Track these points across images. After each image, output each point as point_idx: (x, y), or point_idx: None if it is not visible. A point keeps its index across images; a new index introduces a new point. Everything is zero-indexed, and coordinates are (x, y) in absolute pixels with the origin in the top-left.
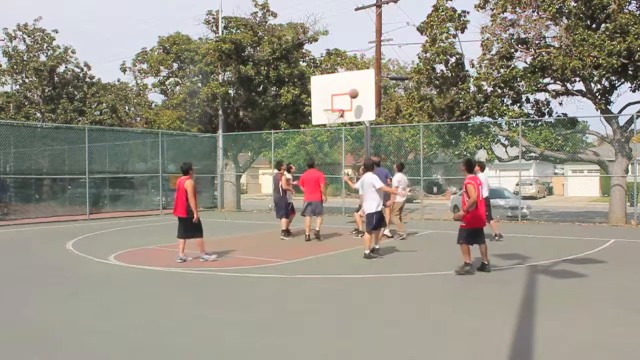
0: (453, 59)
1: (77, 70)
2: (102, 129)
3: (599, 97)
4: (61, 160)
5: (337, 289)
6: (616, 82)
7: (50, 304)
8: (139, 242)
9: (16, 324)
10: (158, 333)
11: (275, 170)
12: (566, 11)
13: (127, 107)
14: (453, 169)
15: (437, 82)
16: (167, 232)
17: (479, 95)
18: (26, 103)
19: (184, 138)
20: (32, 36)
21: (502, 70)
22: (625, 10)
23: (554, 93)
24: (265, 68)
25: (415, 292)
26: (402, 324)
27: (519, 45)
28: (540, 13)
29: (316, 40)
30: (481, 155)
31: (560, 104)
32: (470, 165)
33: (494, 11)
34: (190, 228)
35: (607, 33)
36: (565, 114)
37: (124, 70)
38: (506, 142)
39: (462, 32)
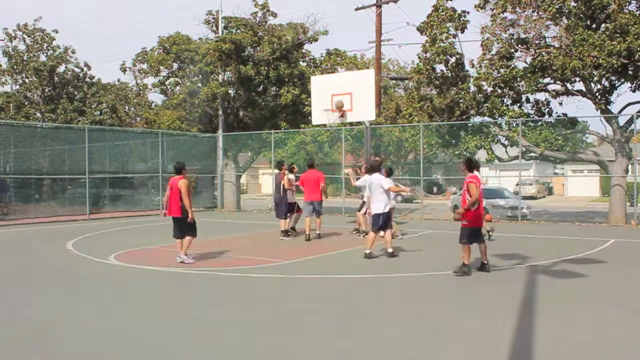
0: (453, 59)
1: (77, 70)
2: (102, 129)
3: (599, 97)
4: (61, 160)
5: (337, 289)
6: (616, 82)
7: (50, 304)
8: (139, 242)
9: (16, 324)
10: (158, 333)
11: (276, 170)
12: (566, 11)
13: (127, 107)
14: (453, 169)
15: (437, 82)
16: (167, 232)
17: (479, 95)
18: (26, 103)
19: (184, 138)
20: (32, 36)
21: (502, 70)
22: (625, 10)
23: (554, 93)
24: (265, 68)
25: (415, 292)
26: (402, 324)
27: (519, 45)
28: (540, 13)
29: (316, 40)
30: (481, 155)
31: (560, 104)
32: (471, 165)
33: (494, 11)
34: (185, 227)
35: (607, 33)
36: (565, 114)
37: (124, 70)
38: (506, 142)
39: (462, 32)
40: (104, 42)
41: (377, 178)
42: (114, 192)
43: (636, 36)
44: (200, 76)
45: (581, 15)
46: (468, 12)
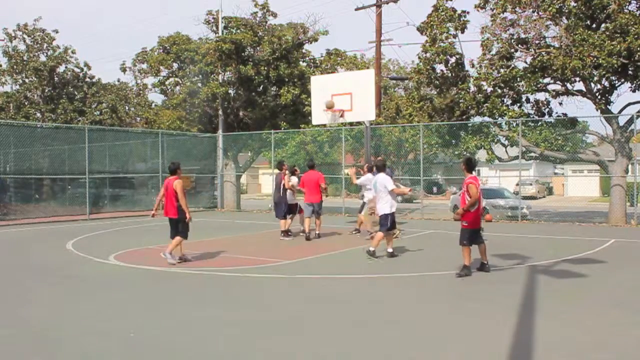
0: (453, 59)
1: (77, 70)
2: (102, 129)
3: (599, 97)
4: (61, 160)
5: (337, 289)
6: (616, 82)
7: (50, 304)
8: (139, 242)
9: (16, 324)
10: (158, 333)
11: (277, 170)
12: (566, 11)
13: (127, 107)
14: (453, 169)
15: (437, 82)
16: (167, 232)
17: (479, 95)
18: (26, 103)
19: (184, 138)
20: (32, 36)
21: (502, 70)
22: (625, 10)
23: (554, 93)
24: (265, 68)
25: (415, 292)
26: (402, 324)
27: (519, 45)
28: (540, 13)
29: (316, 40)
30: (481, 155)
31: (560, 104)
32: (471, 165)
33: (494, 11)
34: (178, 227)
35: (607, 33)
36: (565, 114)
37: (124, 70)
38: (506, 142)
39: (462, 32)
40: (104, 42)
41: (382, 178)
42: (114, 192)
43: (636, 36)
44: (200, 76)
45: (581, 15)
46: (468, 12)
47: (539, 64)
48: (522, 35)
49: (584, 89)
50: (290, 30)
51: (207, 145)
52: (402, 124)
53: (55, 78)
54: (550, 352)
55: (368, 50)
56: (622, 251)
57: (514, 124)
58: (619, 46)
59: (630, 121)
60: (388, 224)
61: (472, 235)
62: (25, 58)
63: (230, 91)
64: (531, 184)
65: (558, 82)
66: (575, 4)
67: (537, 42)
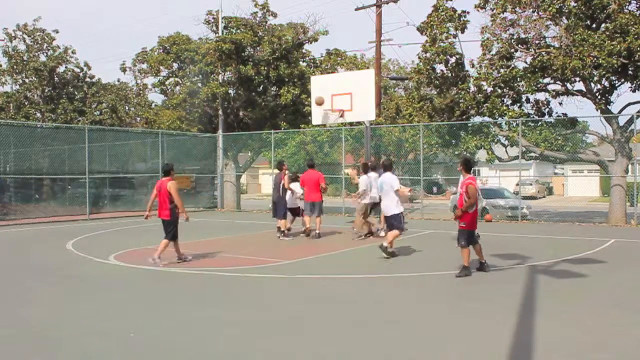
0: (453, 59)
1: (77, 70)
2: (102, 129)
3: (599, 97)
4: (61, 160)
5: (337, 289)
6: (616, 82)
7: (50, 304)
8: (139, 242)
9: (16, 324)
10: (158, 333)
11: (277, 170)
12: (566, 11)
13: (127, 107)
14: (453, 169)
15: (437, 82)
16: None
17: (479, 95)
18: (26, 103)
19: (184, 138)
20: (32, 36)
21: (502, 70)
22: (625, 10)
23: (554, 93)
24: (265, 68)
25: (415, 292)
26: (402, 324)
27: (519, 45)
28: (540, 13)
29: (316, 40)
30: (481, 155)
31: (560, 104)
32: (469, 165)
33: (494, 11)
34: (165, 229)
35: (607, 33)
36: (565, 114)
37: (124, 70)
38: (506, 142)
39: (462, 32)
40: (104, 42)
41: (389, 178)
42: (114, 192)
43: (636, 36)
44: (200, 76)
45: (581, 15)
46: (468, 12)
47: (539, 64)
48: (522, 35)
49: (584, 89)
50: (290, 30)
51: (207, 145)
52: (402, 124)
53: (55, 78)
54: (550, 352)
55: (368, 50)
56: (622, 251)
57: (514, 124)
58: (619, 46)
59: (630, 121)
60: (401, 222)
61: (470, 236)
62: (25, 58)
63: (230, 91)
64: (531, 184)
65: (558, 82)
66: (575, 4)
67: (537, 42)
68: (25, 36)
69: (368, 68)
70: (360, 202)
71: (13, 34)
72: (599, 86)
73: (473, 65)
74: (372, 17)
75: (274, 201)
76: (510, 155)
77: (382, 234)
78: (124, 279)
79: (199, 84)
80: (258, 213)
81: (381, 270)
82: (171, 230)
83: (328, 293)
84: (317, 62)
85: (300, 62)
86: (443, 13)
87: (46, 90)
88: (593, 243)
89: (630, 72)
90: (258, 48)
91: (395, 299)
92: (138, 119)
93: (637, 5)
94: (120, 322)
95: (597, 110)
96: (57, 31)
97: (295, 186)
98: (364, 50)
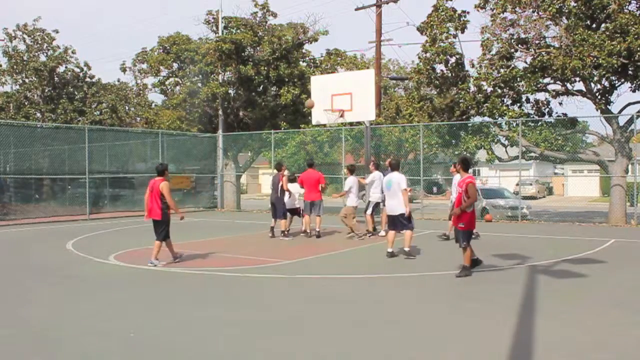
0: (453, 59)
1: (77, 70)
2: (102, 129)
3: (599, 97)
4: (61, 160)
5: (337, 289)
6: (616, 82)
7: (50, 304)
8: (139, 242)
9: (16, 324)
10: (158, 333)
11: (275, 171)
12: (566, 11)
13: (127, 107)
14: None
15: (437, 82)
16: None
17: (479, 95)
18: (26, 103)
19: (184, 138)
20: (32, 36)
21: (502, 70)
22: (625, 10)
23: (554, 93)
24: (265, 68)
25: (415, 292)
26: (402, 324)
27: (519, 45)
28: (540, 13)
29: (316, 40)
30: (481, 155)
31: (560, 104)
32: (467, 164)
33: (494, 11)
34: (156, 230)
35: (607, 33)
36: (565, 114)
37: (124, 70)
38: (506, 142)
39: (462, 32)
40: (104, 42)
41: (397, 177)
42: (114, 192)
43: (636, 36)
44: (200, 76)
45: (581, 15)
46: (468, 12)
47: (539, 64)
48: (522, 35)
49: (584, 89)
50: (290, 30)
51: (207, 145)
52: (402, 124)
53: (56, 78)
54: (550, 352)
55: (368, 50)
56: (622, 251)
57: (514, 124)
58: (619, 46)
59: (630, 121)
60: (412, 221)
61: (469, 236)
62: (25, 58)
63: (230, 91)
64: (531, 184)
65: (558, 82)
66: (575, 4)
67: (537, 42)
68: (25, 36)
69: (368, 68)
70: (346, 204)
71: (13, 34)
72: (599, 86)
73: (473, 65)
74: (372, 17)
75: (272, 202)
76: (510, 155)
77: (383, 233)
78: (124, 279)
79: (199, 84)
80: (258, 213)
81: (381, 270)
82: (162, 231)
83: (328, 293)
84: (317, 62)
85: (300, 62)
86: (443, 13)
87: (46, 90)
88: (593, 243)
89: (630, 72)
90: (258, 48)
91: (395, 299)
92: (138, 119)
93: (637, 5)
94: (120, 322)
95: (597, 110)
96: (57, 31)
97: (294, 187)
98: (364, 50)
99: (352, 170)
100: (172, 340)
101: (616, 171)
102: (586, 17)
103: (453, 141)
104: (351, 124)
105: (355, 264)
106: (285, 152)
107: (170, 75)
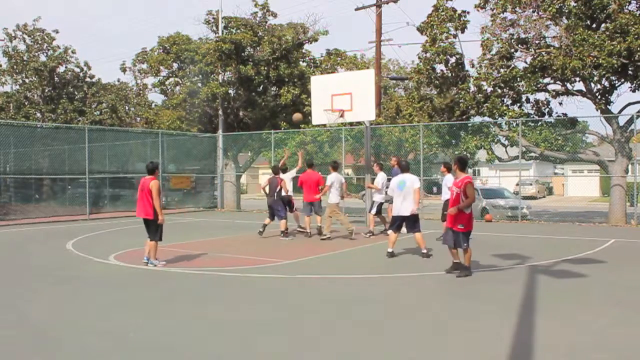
0: (453, 59)
1: (77, 70)
2: (102, 129)
3: (599, 97)
4: (61, 160)
5: (337, 288)
6: (616, 82)
7: (50, 304)
8: (139, 242)
9: (16, 324)
10: (158, 333)
11: (272, 174)
12: (566, 11)
13: (127, 107)
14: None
15: (437, 82)
16: (166, 232)
17: (479, 95)
18: (26, 103)
19: (184, 138)
20: (32, 36)
21: (502, 70)
22: (625, 10)
23: (554, 93)
24: (265, 68)
25: (415, 292)
26: (402, 324)
27: (519, 45)
28: (540, 13)
29: (316, 40)
30: (481, 155)
31: (560, 104)
32: (464, 164)
33: (494, 11)
34: (150, 230)
35: (607, 33)
36: (565, 114)
37: (124, 70)
38: (506, 142)
39: (462, 32)
40: (104, 42)
41: (410, 178)
42: (114, 192)
43: (636, 36)
44: (200, 76)
45: (581, 15)
46: (468, 12)
47: (539, 64)
48: (522, 35)
49: (584, 89)
50: (290, 30)
51: (207, 145)
52: (402, 124)
53: (56, 78)
54: (550, 351)
55: (368, 50)
56: (622, 251)
57: (514, 124)
58: (619, 46)
59: (630, 121)
60: (418, 222)
61: (469, 237)
62: (25, 58)
63: (230, 91)
64: (531, 184)
65: (558, 82)
66: (575, 4)
67: (537, 42)
68: (25, 36)
69: (368, 68)
70: (329, 202)
71: (13, 34)
72: (599, 86)
73: (473, 65)
74: (372, 17)
75: (270, 205)
76: (510, 155)
77: (389, 232)
78: (124, 279)
79: (199, 84)
80: (258, 213)
81: (381, 270)
82: (158, 230)
83: (328, 293)
84: (317, 62)
85: (300, 62)
86: (443, 13)
87: (46, 90)
88: (593, 243)
89: (630, 72)
90: (258, 48)
91: (395, 299)
92: (138, 119)
93: (637, 5)
94: (120, 322)
95: (597, 110)
96: (57, 31)
97: (286, 176)
98: (364, 50)
99: (335, 167)
100: (172, 340)
101: (616, 171)
102: (586, 17)
103: (453, 141)
104: (351, 124)
105: (355, 264)
106: (285, 152)
107: (170, 75)
